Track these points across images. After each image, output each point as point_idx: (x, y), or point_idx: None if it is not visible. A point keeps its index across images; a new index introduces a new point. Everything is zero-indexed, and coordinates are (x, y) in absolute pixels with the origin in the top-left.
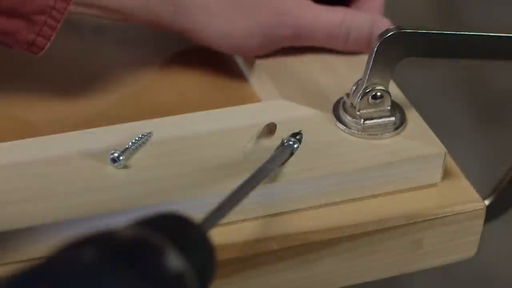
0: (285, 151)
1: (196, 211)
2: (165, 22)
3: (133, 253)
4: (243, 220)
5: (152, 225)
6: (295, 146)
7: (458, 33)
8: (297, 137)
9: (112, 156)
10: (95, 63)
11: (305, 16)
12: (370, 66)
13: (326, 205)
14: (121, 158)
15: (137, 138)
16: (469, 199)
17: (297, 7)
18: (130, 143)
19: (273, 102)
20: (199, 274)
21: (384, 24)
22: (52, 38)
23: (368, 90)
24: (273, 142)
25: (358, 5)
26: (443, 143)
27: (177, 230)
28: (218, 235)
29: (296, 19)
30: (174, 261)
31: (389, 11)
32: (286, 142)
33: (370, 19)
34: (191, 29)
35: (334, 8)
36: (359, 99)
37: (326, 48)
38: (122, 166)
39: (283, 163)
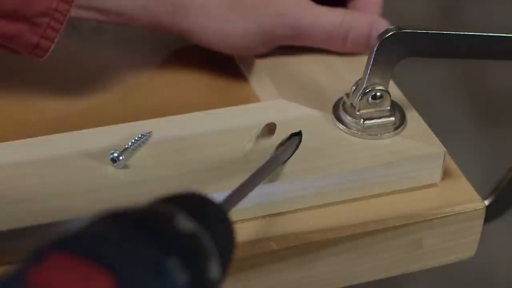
0: (293, 142)
1: None
2: (164, 23)
3: (144, 221)
4: (243, 220)
5: (168, 200)
6: (120, 158)
7: (458, 33)
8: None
9: (112, 156)
10: (95, 63)
11: (305, 17)
12: (370, 66)
13: (326, 205)
14: (121, 158)
15: (137, 138)
16: (469, 199)
17: (297, 7)
18: (130, 143)
19: (273, 102)
20: (216, 242)
21: (383, 25)
22: (56, 40)
23: (368, 90)
24: (273, 142)
25: (355, 5)
26: (443, 143)
27: (190, 201)
28: None
29: (295, 20)
30: (183, 223)
31: (389, 11)
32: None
33: (368, 20)
34: (190, 30)
35: (333, 9)
36: (359, 99)
37: (326, 49)
38: (122, 166)
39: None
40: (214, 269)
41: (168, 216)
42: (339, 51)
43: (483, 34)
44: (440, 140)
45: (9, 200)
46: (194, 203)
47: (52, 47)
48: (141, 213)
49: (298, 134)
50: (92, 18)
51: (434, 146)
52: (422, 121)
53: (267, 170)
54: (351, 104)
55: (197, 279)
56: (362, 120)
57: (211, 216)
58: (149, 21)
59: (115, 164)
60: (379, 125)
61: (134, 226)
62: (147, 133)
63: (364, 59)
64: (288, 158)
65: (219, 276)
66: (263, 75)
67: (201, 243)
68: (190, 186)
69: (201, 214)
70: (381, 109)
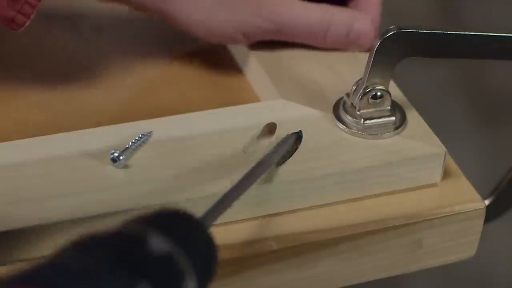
0: (286, 143)
1: (196, 211)
2: (147, 4)
3: (115, 246)
4: (243, 220)
5: (143, 219)
6: (121, 158)
7: (458, 33)
8: (299, 134)
9: (112, 156)
10: (95, 63)
11: (286, 12)
12: (370, 66)
13: (326, 205)
14: (121, 158)
15: (137, 138)
16: (469, 199)
17: (281, 2)
18: (130, 143)
19: (273, 102)
20: (194, 260)
21: (364, 21)
22: (32, 16)
23: (368, 90)
24: (273, 142)
25: (355, 5)
26: (443, 143)
27: (166, 220)
28: (218, 235)
29: (278, 15)
30: (157, 244)
31: (389, 11)
32: (287, 135)
33: (349, 16)
34: (172, 14)
35: (315, 5)
36: (359, 99)
37: (326, 48)
38: (122, 166)
39: (284, 158)
40: None
41: (140, 238)
42: (319, 46)
43: (483, 34)
44: (440, 140)
45: (9, 200)
46: (170, 221)
47: (28, 22)
48: (112, 237)
49: (296, 133)
50: None
51: (434, 146)
52: (423, 121)
53: (254, 175)
54: (352, 104)
55: None
56: (362, 120)
57: (189, 233)
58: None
59: (115, 164)
60: (379, 125)
61: (104, 253)
62: (147, 133)
63: (364, 59)
64: (285, 160)
65: None
66: (263, 75)
67: (176, 264)
68: (190, 186)
69: (178, 233)
70: (381, 109)
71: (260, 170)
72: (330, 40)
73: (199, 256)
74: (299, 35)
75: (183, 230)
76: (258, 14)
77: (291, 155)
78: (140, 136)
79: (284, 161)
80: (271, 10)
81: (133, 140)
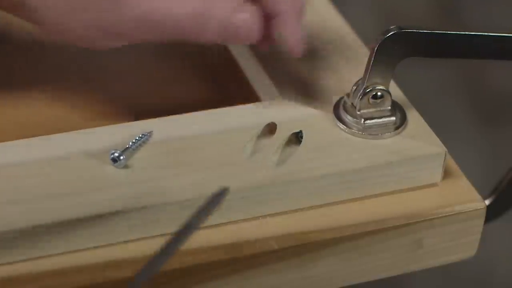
0: (217, 199)
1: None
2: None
3: None
4: (243, 220)
5: None
6: (121, 158)
7: (458, 33)
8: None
9: (112, 156)
10: (95, 63)
11: (152, 8)
12: (371, 66)
13: (326, 205)
14: (121, 158)
15: (137, 138)
16: (469, 199)
17: None
18: (131, 143)
19: (273, 102)
20: None
21: (244, 14)
22: None
23: (368, 90)
24: (273, 142)
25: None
26: (443, 143)
27: None
28: (218, 235)
29: (140, 11)
30: None
31: (389, 11)
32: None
33: (230, 7)
34: (22, 7)
35: None
36: (359, 99)
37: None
38: (122, 166)
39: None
40: None
41: None
42: (201, 42)
43: (483, 34)
44: (440, 140)
45: (9, 200)
46: None
47: None
48: None
49: (299, 133)
50: None
51: (434, 146)
52: (423, 121)
53: (181, 240)
54: (352, 103)
55: None
56: (362, 119)
57: None
58: None
59: (115, 164)
60: (379, 125)
61: None
62: (148, 132)
63: (364, 59)
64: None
65: None
66: (263, 75)
67: None
68: (190, 186)
69: None
70: (381, 109)
71: (188, 233)
72: (210, 35)
73: None
74: (173, 33)
75: None
76: (119, 15)
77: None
78: (140, 136)
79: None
80: (134, 9)
81: (133, 140)
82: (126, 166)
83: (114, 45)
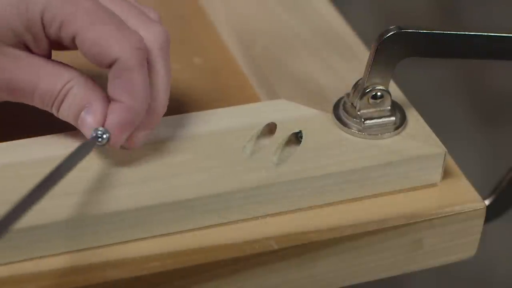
0: (86, 146)
1: (196, 211)
2: None
3: None
4: (243, 220)
5: None
6: (105, 136)
7: (458, 33)
8: (101, 131)
9: (96, 133)
10: None
11: (23, 78)
12: (370, 66)
13: (326, 205)
14: (104, 136)
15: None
16: (469, 199)
17: (16, 67)
18: None
19: (273, 102)
20: None
21: (93, 109)
22: None
23: (368, 90)
24: (273, 142)
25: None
26: (443, 143)
27: None
28: (218, 235)
29: (13, 82)
30: None
31: (389, 11)
32: (93, 133)
33: (83, 98)
34: None
35: (60, 68)
36: (359, 99)
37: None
38: (104, 143)
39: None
40: None
41: None
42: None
43: (483, 34)
44: (440, 140)
45: (9, 200)
46: None
47: None
48: None
49: (299, 133)
50: None
51: (434, 146)
52: (423, 121)
53: (47, 184)
54: (352, 104)
55: None
56: (362, 120)
57: None
58: None
59: (98, 142)
60: (379, 125)
61: None
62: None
63: (364, 59)
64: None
65: None
66: (263, 75)
67: None
68: (190, 186)
69: None
70: (381, 109)
71: (57, 176)
72: (61, 116)
73: None
74: (33, 102)
75: None
76: None
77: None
78: None
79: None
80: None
81: None
82: (125, 166)
83: None
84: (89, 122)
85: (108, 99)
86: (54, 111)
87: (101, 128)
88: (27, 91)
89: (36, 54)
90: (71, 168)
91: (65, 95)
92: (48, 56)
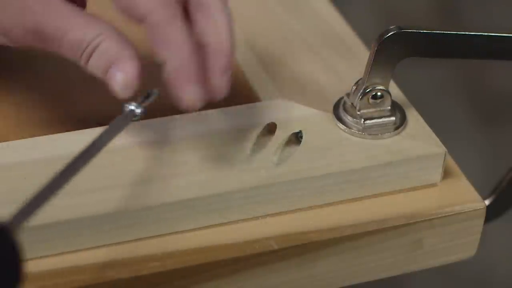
0: (124, 120)
1: (196, 211)
2: None
3: None
4: (243, 220)
5: None
6: (138, 110)
7: (458, 33)
8: (146, 100)
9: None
10: None
11: (52, 24)
12: (370, 66)
13: (326, 205)
14: (138, 110)
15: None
16: (469, 199)
17: (47, 10)
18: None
19: (273, 102)
20: None
21: (123, 67)
22: None
23: (368, 90)
24: (273, 142)
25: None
26: (443, 143)
27: None
28: (218, 235)
29: (41, 25)
30: None
31: (389, 11)
32: (127, 107)
33: (112, 54)
34: None
35: (92, 23)
36: (359, 99)
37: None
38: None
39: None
40: None
41: None
42: (83, 67)
43: (483, 34)
44: (440, 140)
45: (9, 200)
46: None
47: None
48: None
49: (299, 133)
50: None
51: (434, 146)
52: (423, 121)
53: (84, 157)
54: (352, 104)
55: None
56: (362, 119)
57: None
58: None
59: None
60: (379, 125)
61: None
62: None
63: (364, 59)
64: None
65: None
66: (263, 75)
67: None
68: (190, 186)
69: None
70: (381, 109)
71: (95, 149)
72: (90, 68)
73: None
74: (63, 52)
75: None
76: (18, 23)
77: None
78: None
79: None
80: (34, 21)
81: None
82: (125, 166)
83: (15, 45)
84: (118, 78)
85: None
86: (82, 62)
87: (134, 103)
88: (55, 37)
89: (70, 2)
90: (106, 144)
91: (96, 47)
92: (82, 7)
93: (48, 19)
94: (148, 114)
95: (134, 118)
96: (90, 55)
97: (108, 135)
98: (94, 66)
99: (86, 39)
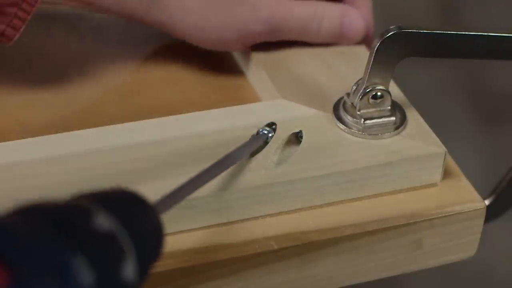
0: (257, 140)
1: (196, 210)
2: (139, 15)
3: (59, 216)
4: (243, 220)
5: (93, 195)
6: (270, 135)
7: (458, 33)
8: (273, 126)
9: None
10: (95, 63)
11: (280, 11)
12: (370, 66)
13: (326, 205)
14: (270, 135)
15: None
16: (469, 199)
17: (270, 2)
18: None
19: (273, 102)
20: (136, 243)
21: (354, 14)
22: (22, 29)
23: (368, 90)
24: (273, 142)
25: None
26: (443, 143)
27: (116, 199)
28: (218, 235)
29: (269, 15)
30: (101, 220)
31: (389, 11)
32: (260, 131)
33: (339, 10)
34: (166, 23)
35: (305, 1)
36: (359, 99)
37: (326, 48)
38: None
39: (255, 153)
40: (128, 270)
41: (85, 212)
42: (312, 42)
43: (483, 34)
44: (440, 140)
45: (9, 200)
46: (120, 201)
47: (17, 35)
48: (58, 207)
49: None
50: (66, 4)
51: (434, 146)
52: (423, 121)
53: (220, 167)
54: (352, 103)
55: (106, 279)
56: (362, 119)
57: (136, 215)
58: (124, 13)
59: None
60: (379, 125)
61: (46, 221)
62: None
63: (364, 59)
64: (258, 151)
65: (135, 278)
66: (263, 75)
67: (117, 243)
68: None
69: (125, 213)
70: (381, 109)
71: (227, 163)
72: (323, 35)
73: (144, 239)
74: (293, 33)
75: (131, 211)
76: (253, 17)
77: (265, 145)
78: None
79: (257, 151)
80: (267, 12)
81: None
82: (126, 166)
83: (243, 47)
84: (355, 25)
85: None
86: (314, 31)
87: (267, 128)
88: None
89: None
90: (242, 157)
91: (323, 13)
92: None
93: (297, 10)
94: (147, 115)
95: (267, 140)
96: (321, 20)
97: (241, 151)
98: (328, 28)
99: (311, 11)
